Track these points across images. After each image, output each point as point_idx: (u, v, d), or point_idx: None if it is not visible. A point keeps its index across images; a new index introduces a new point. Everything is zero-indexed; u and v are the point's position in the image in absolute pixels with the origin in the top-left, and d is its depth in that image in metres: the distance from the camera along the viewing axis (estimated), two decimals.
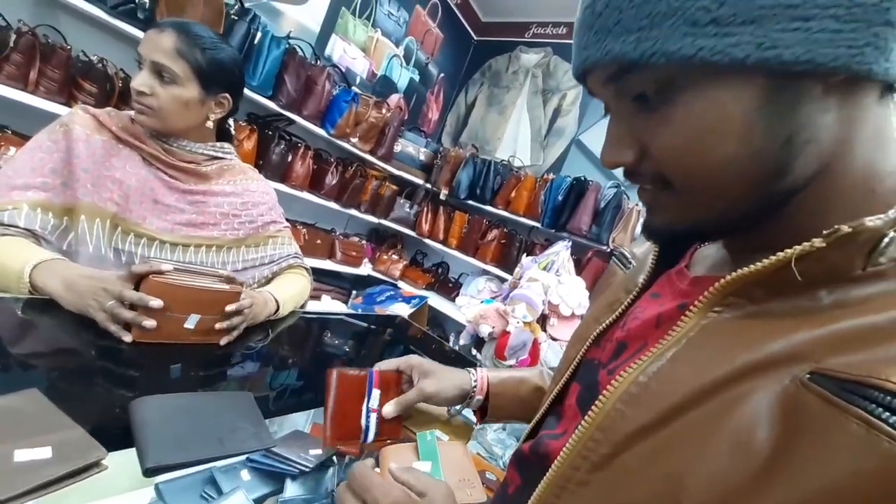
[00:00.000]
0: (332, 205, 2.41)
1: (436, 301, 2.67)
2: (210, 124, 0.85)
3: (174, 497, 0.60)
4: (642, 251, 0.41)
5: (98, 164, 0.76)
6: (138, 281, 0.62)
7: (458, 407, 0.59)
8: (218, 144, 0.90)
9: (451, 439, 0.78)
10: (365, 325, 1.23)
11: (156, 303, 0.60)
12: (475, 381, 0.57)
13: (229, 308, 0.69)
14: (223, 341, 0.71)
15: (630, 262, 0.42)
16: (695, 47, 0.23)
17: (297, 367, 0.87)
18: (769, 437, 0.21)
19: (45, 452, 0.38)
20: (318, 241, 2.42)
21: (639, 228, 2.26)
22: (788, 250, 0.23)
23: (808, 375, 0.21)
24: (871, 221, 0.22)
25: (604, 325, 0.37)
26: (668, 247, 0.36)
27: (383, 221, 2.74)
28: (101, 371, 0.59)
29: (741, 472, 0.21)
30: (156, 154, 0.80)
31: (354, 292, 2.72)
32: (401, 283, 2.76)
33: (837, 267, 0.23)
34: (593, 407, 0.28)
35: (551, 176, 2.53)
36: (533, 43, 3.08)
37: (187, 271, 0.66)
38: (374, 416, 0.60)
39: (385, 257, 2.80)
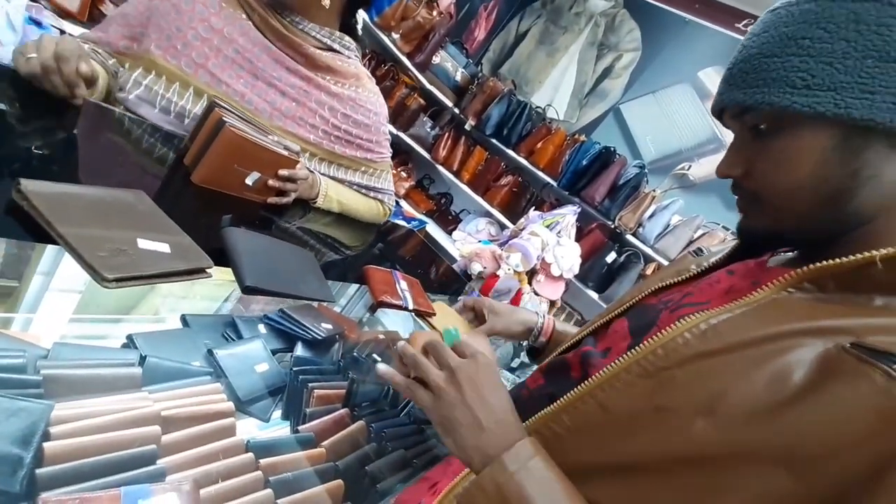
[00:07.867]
0: None
1: (432, 229, 2.67)
2: (327, 2, 0.72)
3: (200, 328, 0.64)
4: (717, 249, 0.51)
5: (197, 22, 0.68)
6: (214, 128, 0.59)
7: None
8: (338, 34, 0.79)
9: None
10: (390, 227, 1.24)
11: None
12: (541, 322, 0.68)
13: (286, 173, 0.68)
14: (271, 200, 0.71)
15: (703, 254, 0.51)
16: (790, 101, 0.33)
17: (324, 245, 0.88)
18: (802, 378, 0.29)
19: (164, 247, 0.39)
20: None
21: (648, 213, 2.28)
22: (874, 252, 0.30)
23: (849, 344, 0.29)
24: None
25: (666, 283, 0.46)
26: (750, 244, 0.45)
27: (401, 134, 2.63)
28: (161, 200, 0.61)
29: (771, 397, 0.29)
30: (266, 19, 0.71)
31: None
32: (402, 203, 2.73)
33: (894, 281, 0.31)
34: (661, 332, 0.36)
35: (582, 137, 2.46)
36: None
37: (253, 125, 0.64)
38: (407, 293, 0.70)
39: (393, 172, 2.73)
